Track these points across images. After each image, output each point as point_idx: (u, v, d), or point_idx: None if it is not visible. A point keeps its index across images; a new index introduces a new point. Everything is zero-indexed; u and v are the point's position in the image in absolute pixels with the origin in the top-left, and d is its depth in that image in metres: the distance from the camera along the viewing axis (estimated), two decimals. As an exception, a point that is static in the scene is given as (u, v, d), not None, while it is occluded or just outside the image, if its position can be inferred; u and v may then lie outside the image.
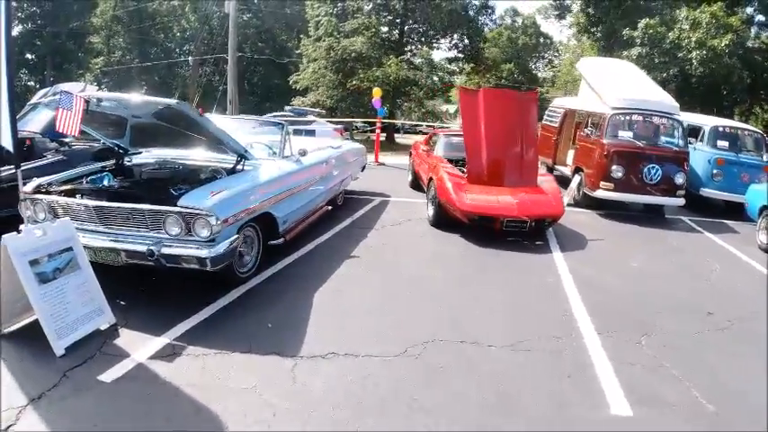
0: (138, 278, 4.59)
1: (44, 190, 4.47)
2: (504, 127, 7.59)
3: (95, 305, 3.72)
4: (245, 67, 33.25)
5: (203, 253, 3.93)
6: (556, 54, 54.11)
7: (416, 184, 10.17)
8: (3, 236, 3.31)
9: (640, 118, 9.02)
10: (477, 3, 26.80)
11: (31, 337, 3.47)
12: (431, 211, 7.63)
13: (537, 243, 6.83)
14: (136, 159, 5.49)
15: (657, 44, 21.27)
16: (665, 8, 23.10)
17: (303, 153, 5.88)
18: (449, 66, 30.39)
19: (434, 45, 28.08)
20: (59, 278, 3.52)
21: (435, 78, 27.62)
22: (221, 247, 4.00)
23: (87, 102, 4.00)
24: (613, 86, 9.79)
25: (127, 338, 3.66)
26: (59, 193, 4.45)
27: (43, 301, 3.38)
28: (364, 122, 23.19)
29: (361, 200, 9.07)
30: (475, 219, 6.71)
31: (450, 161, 8.26)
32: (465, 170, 7.83)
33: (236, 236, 4.25)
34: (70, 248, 3.66)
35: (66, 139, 8.37)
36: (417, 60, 27.34)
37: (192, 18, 34.92)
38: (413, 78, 24.04)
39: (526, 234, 6.83)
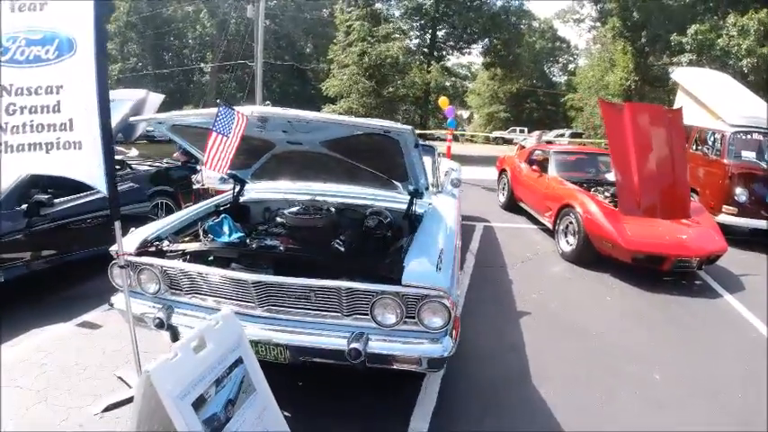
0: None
1: (155, 249, 3.07)
2: (654, 148, 6.30)
3: (278, 440, 2.35)
4: (264, 74, 31.87)
5: (435, 350, 2.52)
6: (571, 59, 53.32)
7: (511, 206, 9.17)
8: (148, 366, 1.87)
9: (761, 137, 8.23)
10: (515, 4, 25.32)
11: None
12: (564, 244, 6.55)
13: (697, 283, 5.85)
14: (249, 194, 4.12)
15: (707, 51, 20.22)
16: (707, 13, 22.03)
17: (457, 183, 4.53)
18: (460, 71, 29.27)
19: (465, 50, 26.73)
20: (234, 416, 2.15)
21: (447, 84, 26.51)
22: (449, 339, 2.59)
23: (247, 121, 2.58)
24: (729, 102, 8.92)
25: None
26: (181, 256, 3.02)
27: (217, 463, 2.01)
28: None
29: (462, 225, 7.75)
30: (641, 258, 5.58)
31: (574, 184, 7.00)
32: (607, 196, 6.61)
33: (455, 316, 2.86)
34: (240, 360, 2.30)
35: (119, 157, 6.99)
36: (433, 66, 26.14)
37: (208, 24, 33.54)
38: (446, 84, 22.87)
39: (681, 274, 5.89)
